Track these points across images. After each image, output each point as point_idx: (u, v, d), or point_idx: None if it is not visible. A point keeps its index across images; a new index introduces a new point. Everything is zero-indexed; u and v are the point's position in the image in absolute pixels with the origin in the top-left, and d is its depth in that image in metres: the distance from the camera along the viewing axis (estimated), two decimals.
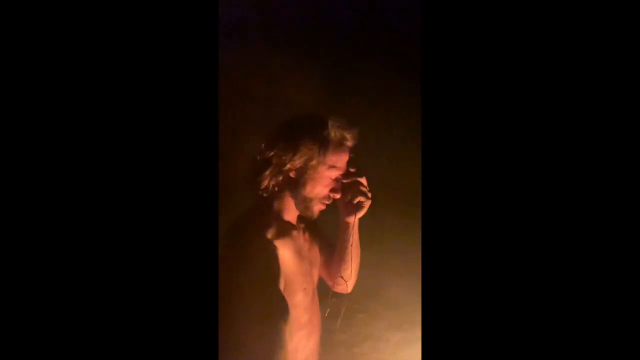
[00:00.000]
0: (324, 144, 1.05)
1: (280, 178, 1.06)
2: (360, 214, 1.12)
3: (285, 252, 1.03)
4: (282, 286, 0.96)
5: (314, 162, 1.05)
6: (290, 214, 1.12)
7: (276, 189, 1.07)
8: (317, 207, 1.10)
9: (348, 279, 1.19)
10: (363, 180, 1.11)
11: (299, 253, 1.10)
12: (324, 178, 1.07)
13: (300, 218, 1.17)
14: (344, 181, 1.10)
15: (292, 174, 1.06)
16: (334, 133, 1.06)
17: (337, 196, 1.10)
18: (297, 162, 1.05)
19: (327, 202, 1.10)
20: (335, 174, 1.08)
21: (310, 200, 1.08)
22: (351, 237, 1.15)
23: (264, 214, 1.08)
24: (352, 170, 1.10)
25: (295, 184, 1.07)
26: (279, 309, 0.89)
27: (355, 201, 1.09)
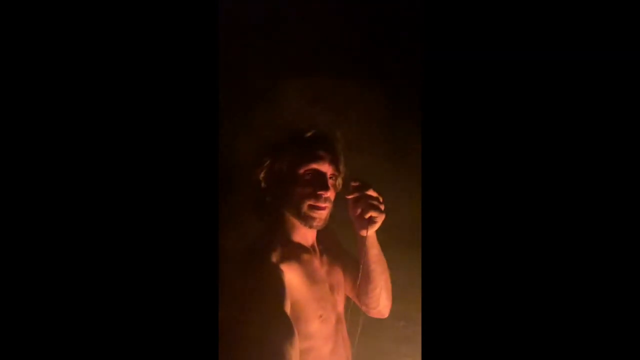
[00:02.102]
0: (275, 147, 1.05)
1: (268, 198, 1.05)
2: (374, 229, 1.04)
3: (292, 276, 0.97)
4: (288, 310, 0.90)
5: (275, 166, 1.04)
6: (300, 235, 1.07)
7: (272, 209, 1.06)
8: (314, 212, 1.02)
9: (370, 301, 1.10)
10: (372, 193, 1.02)
11: (311, 277, 1.02)
12: (296, 177, 1.01)
13: (318, 240, 1.12)
14: (348, 197, 1.04)
15: (262, 184, 1.05)
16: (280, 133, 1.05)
17: (326, 194, 1.01)
18: (263, 171, 1.05)
19: (319, 204, 1.01)
20: (313, 173, 1.02)
21: (299, 203, 1.01)
22: (366, 253, 1.05)
23: (269, 238, 1.02)
24: (354, 184, 1.03)
25: (283, 196, 1.04)
26: (284, 331, 0.83)
27: (367, 216, 1.01)
